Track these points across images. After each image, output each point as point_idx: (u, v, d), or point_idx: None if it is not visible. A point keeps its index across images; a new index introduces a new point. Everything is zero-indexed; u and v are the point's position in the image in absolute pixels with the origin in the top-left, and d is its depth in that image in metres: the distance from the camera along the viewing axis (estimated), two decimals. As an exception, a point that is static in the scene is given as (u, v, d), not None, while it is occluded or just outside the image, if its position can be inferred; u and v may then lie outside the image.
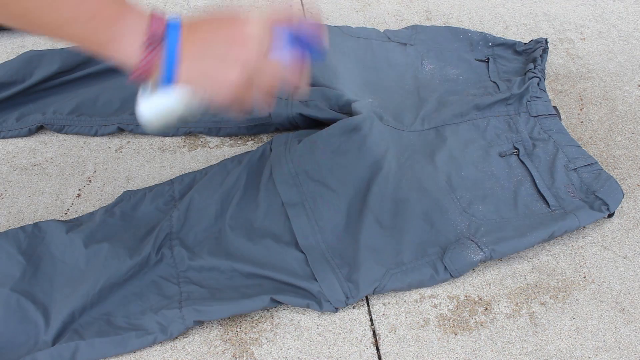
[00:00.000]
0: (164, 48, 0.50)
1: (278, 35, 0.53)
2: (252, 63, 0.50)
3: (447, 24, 1.12)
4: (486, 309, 0.71)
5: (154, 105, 0.52)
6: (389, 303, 0.72)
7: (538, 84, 0.89)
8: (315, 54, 0.56)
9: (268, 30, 0.51)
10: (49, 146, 0.92)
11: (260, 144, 0.89)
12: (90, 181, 0.86)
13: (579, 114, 0.95)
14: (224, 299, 0.68)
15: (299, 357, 0.67)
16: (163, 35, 0.50)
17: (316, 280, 0.70)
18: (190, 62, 0.50)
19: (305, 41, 0.55)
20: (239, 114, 0.55)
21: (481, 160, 0.82)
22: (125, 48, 0.50)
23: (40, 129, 0.93)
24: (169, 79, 0.50)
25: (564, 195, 0.78)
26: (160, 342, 0.67)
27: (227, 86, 0.51)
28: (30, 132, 0.92)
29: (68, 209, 0.83)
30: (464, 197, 0.78)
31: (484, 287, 0.73)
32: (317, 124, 0.89)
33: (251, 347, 0.68)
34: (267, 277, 0.71)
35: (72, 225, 0.76)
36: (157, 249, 0.73)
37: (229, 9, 0.53)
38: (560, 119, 0.87)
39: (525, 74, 0.92)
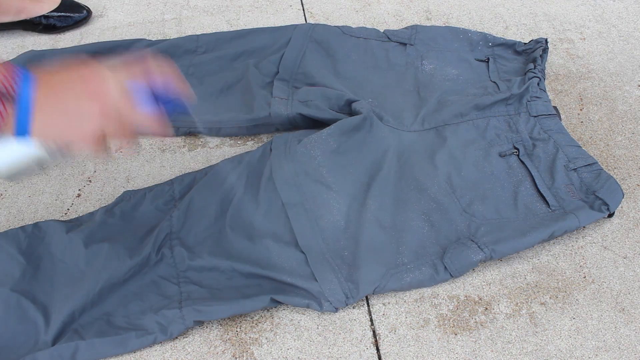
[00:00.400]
0: (17, 101, 0.49)
1: (135, 91, 0.53)
2: (107, 116, 0.51)
3: (447, 24, 1.12)
4: (486, 309, 0.71)
5: (5, 155, 0.52)
6: (389, 303, 0.72)
7: (538, 84, 0.89)
8: (175, 107, 0.57)
9: (124, 85, 0.52)
10: (49, 146, 0.92)
11: (260, 144, 0.89)
12: (90, 181, 0.86)
13: (579, 114, 0.95)
14: (224, 299, 0.68)
15: (299, 357, 0.67)
16: (14, 88, 0.49)
17: (316, 280, 0.70)
18: (44, 116, 0.50)
19: (164, 95, 0.55)
20: (101, 156, 0.55)
21: (481, 160, 0.82)
22: None
23: (40, 129, 0.93)
24: (22, 132, 0.50)
25: (564, 195, 0.78)
26: (160, 342, 0.67)
27: (83, 138, 0.51)
28: (30, 132, 0.92)
29: (68, 209, 0.83)
30: (464, 197, 0.78)
31: (484, 287, 0.73)
32: (317, 124, 0.89)
33: (251, 347, 0.68)
34: (267, 277, 0.71)
35: (72, 225, 0.76)
36: (157, 249, 0.73)
37: (85, 64, 0.53)
38: (560, 119, 0.87)
39: (525, 74, 0.92)
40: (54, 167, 0.56)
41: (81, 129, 0.51)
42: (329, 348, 0.68)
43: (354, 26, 1.03)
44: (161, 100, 0.56)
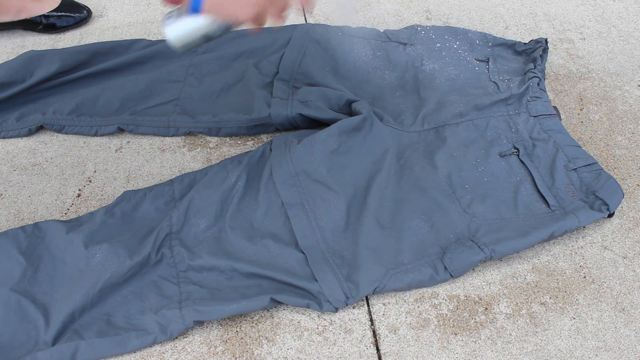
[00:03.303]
0: None
1: None
2: None
3: (447, 24, 1.12)
4: (486, 309, 0.71)
5: (178, 28, 0.64)
6: (389, 303, 0.72)
7: (538, 84, 0.89)
8: None
9: None
10: (49, 146, 0.92)
11: (260, 144, 0.89)
12: (90, 181, 0.86)
13: (579, 114, 0.95)
14: (224, 299, 0.68)
15: (299, 357, 0.67)
16: None
17: (316, 280, 0.70)
18: None
19: None
20: (255, 30, 0.67)
21: (481, 161, 0.82)
22: None
23: (40, 129, 0.93)
24: (195, 9, 0.62)
25: (564, 195, 0.78)
26: (160, 342, 0.67)
27: (248, 9, 0.62)
28: (30, 132, 0.92)
29: (68, 209, 0.83)
30: (464, 197, 0.78)
31: (484, 287, 0.73)
32: (317, 124, 0.89)
33: (251, 347, 0.68)
34: (267, 277, 0.71)
35: (72, 225, 0.76)
36: (157, 249, 0.73)
37: None
38: (560, 119, 0.87)
39: (525, 74, 0.92)
40: (218, 36, 0.68)
41: (244, 6, 0.62)
42: (329, 348, 0.68)
43: (354, 26, 1.03)
44: None
